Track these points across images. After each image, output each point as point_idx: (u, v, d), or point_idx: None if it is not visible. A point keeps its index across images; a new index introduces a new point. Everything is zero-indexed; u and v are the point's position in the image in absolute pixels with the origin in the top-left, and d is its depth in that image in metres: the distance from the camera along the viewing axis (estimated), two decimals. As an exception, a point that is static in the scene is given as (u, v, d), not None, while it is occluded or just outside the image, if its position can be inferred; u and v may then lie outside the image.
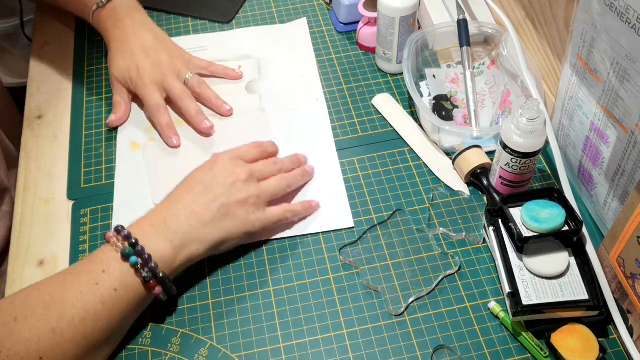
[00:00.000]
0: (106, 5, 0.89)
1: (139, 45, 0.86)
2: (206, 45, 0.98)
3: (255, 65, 0.95)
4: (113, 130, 0.87)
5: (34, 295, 0.62)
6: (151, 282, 0.65)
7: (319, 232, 0.76)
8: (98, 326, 0.62)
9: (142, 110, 0.89)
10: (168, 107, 0.86)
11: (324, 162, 0.83)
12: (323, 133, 0.86)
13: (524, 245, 0.67)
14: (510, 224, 0.68)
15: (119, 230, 0.66)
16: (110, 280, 0.64)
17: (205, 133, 0.85)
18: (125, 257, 0.64)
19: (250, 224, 0.71)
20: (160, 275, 0.65)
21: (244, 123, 0.87)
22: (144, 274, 0.65)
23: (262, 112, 0.87)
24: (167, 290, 0.67)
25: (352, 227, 0.76)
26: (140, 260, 0.65)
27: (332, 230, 0.76)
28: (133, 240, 0.65)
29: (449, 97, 0.89)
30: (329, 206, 0.78)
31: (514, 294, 0.65)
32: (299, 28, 1.00)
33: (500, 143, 0.72)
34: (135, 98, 0.89)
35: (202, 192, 0.70)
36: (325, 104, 0.90)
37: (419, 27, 0.98)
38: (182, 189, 0.72)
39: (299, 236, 0.76)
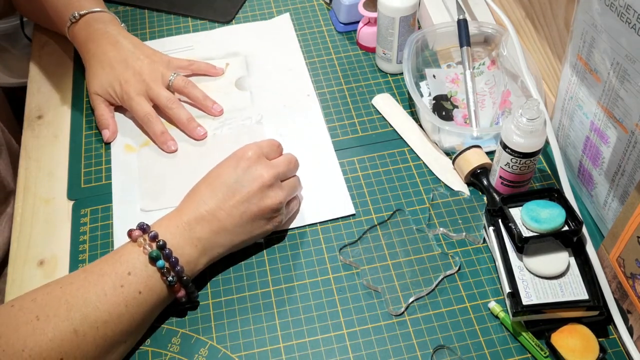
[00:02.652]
0: (79, 20, 0.87)
1: (116, 57, 0.85)
2: (192, 44, 0.98)
3: (243, 62, 0.95)
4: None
5: (56, 294, 0.61)
6: (176, 285, 0.65)
7: (320, 232, 0.76)
8: (119, 328, 0.62)
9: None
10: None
11: (321, 155, 0.83)
12: (317, 127, 0.87)
13: (524, 245, 0.67)
14: (510, 224, 0.68)
15: (144, 228, 0.65)
16: (135, 282, 0.63)
17: (200, 139, 0.85)
18: (153, 260, 0.63)
19: (273, 226, 0.71)
20: (185, 278, 0.65)
21: (240, 135, 0.86)
22: (170, 278, 0.64)
23: (259, 125, 0.87)
24: (190, 295, 0.67)
25: (353, 214, 0.77)
26: (167, 264, 0.64)
27: (333, 225, 0.76)
28: (161, 242, 0.64)
29: (449, 97, 0.89)
30: (329, 196, 0.79)
31: (514, 294, 0.65)
32: (283, 23, 1.01)
33: (500, 143, 0.72)
34: (119, 107, 0.88)
35: (226, 196, 0.68)
36: (317, 99, 0.90)
37: (419, 27, 0.98)
38: (205, 187, 0.69)
39: (299, 236, 0.76)
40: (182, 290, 0.66)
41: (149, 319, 0.66)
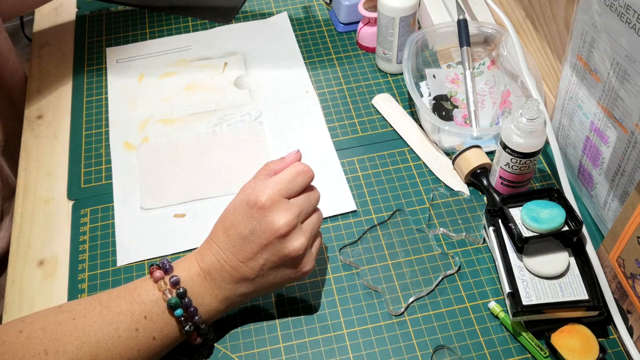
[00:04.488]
0: None
1: None
2: (190, 44, 0.99)
3: (241, 61, 0.95)
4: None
5: (67, 327, 0.58)
6: (193, 334, 0.63)
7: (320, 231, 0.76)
8: None
9: (134, 110, 0.89)
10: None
11: (321, 151, 0.84)
12: (316, 123, 0.87)
13: (524, 245, 0.67)
14: (510, 224, 0.68)
15: (167, 269, 0.62)
16: (151, 328, 0.60)
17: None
18: (172, 308, 0.60)
19: (302, 273, 0.65)
20: (203, 327, 0.63)
21: (240, 132, 0.86)
22: (187, 328, 0.61)
23: (260, 125, 0.87)
24: (207, 340, 0.66)
25: (355, 211, 0.77)
26: (185, 314, 0.61)
27: (333, 225, 0.76)
28: (181, 290, 0.61)
29: (449, 97, 0.89)
30: (330, 193, 0.79)
31: (514, 294, 0.65)
32: (281, 22, 1.01)
33: (500, 143, 0.72)
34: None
35: (242, 248, 0.62)
36: (316, 95, 0.90)
37: (419, 27, 0.98)
38: (222, 233, 0.64)
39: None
40: (199, 338, 0.64)
41: (158, 358, 0.64)
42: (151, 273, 0.62)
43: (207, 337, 0.65)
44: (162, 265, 0.62)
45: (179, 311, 0.61)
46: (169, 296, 0.60)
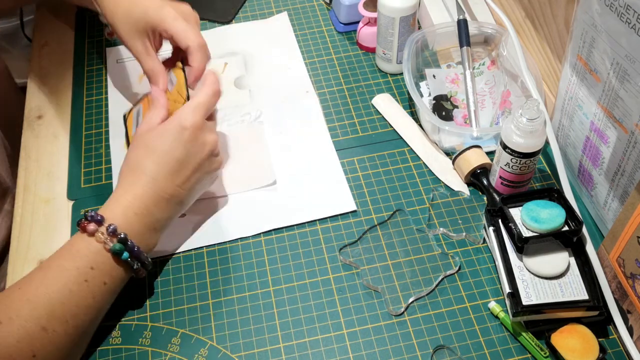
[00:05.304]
0: None
1: None
2: None
3: (241, 61, 0.95)
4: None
5: (15, 296, 0.60)
6: (140, 269, 0.66)
7: (320, 231, 0.76)
8: (89, 317, 0.63)
9: (132, 107, 0.89)
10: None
11: (321, 151, 0.84)
12: (316, 123, 0.87)
13: (524, 245, 0.67)
14: (510, 224, 0.68)
15: (98, 220, 0.63)
16: (100, 275, 0.63)
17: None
18: (117, 254, 0.64)
19: (214, 179, 0.75)
20: (148, 262, 0.66)
21: (240, 132, 0.86)
22: (135, 267, 0.65)
23: (260, 125, 0.87)
24: (147, 268, 0.68)
25: (355, 211, 0.77)
26: (130, 255, 0.65)
27: (333, 225, 0.76)
28: (122, 236, 0.64)
29: (449, 97, 0.89)
30: (330, 192, 0.79)
31: (514, 294, 0.65)
32: (281, 22, 1.01)
33: (500, 143, 0.72)
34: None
35: (178, 171, 0.68)
36: (316, 95, 0.90)
37: (419, 27, 0.98)
38: (151, 162, 0.67)
39: (299, 236, 0.75)
40: (143, 270, 0.67)
41: (113, 299, 0.67)
42: (83, 228, 0.63)
43: (150, 268, 0.68)
44: (91, 218, 0.63)
45: (125, 254, 0.64)
46: (111, 244, 0.63)
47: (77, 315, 0.61)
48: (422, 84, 0.90)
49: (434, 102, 0.88)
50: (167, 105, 0.73)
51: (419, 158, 0.83)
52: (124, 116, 0.82)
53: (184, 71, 0.78)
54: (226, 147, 0.84)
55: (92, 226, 0.63)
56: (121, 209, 0.65)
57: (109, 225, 0.64)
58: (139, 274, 0.67)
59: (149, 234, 0.67)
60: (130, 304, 0.70)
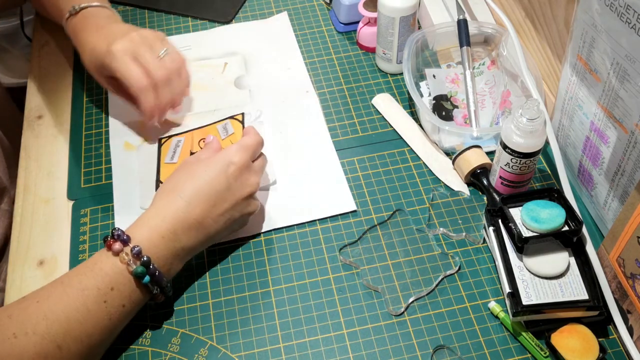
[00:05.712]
0: (77, 13, 0.84)
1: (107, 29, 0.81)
2: (190, 44, 0.98)
3: (241, 61, 0.95)
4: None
5: (32, 310, 0.60)
6: (158, 295, 0.66)
7: (320, 231, 0.76)
8: (103, 338, 0.62)
9: (133, 110, 0.89)
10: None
11: (321, 151, 0.84)
12: (316, 123, 0.87)
13: (524, 245, 0.67)
14: (510, 224, 0.68)
15: (124, 239, 0.63)
16: (119, 297, 0.62)
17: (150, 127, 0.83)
18: (138, 277, 0.62)
19: (245, 222, 0.73)
20: (168, 287, 0.66)
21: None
22: (155, 291, 0.64)
23: (261, 125, 0.87)
24: (166, 294, 0.68)
25: (355, 211, 0.77)
26: (151, 279, 0.63)
27: (333, 225, 0.76)
28: (145, 259, 0.62)
29: (449, 97, 0.89)
30: (330, 192, 0.79)
31: (514, 294, 0.65)
32: (281, 22, 1.01)
33: (500, 143, 0.72)
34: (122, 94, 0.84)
35: (215, 203, 0.66)
36: (316, 95, 0.90)
37: (419, 27, 0.98)
38: (191, 190, 0.66)
39: (299, 236, 0.76)
40: (162, 296, 0.67)
41: (128, 321, 0.66)
42: (109, 246, 0.63)
43: (169, 295, 0.68)
44: (118, 237, 0.63)
45: (146, 279, 0.63)
46: (134, 267, 0.62)
47: (92, 335, 0.61)
48: (422, 84, 0.90)
49: (434, 102, 0.88)
50: (219, 151, 0.71)
51: (419, 158, 0.83)
52: (160, 140, 0.84)
53: (242, 124, 0.83)
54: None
55: (117, 245, 0.62)
56: (148, 231, 0.64)
57: (134, 247, 0.62)
58: (157, 299, 0.66)
59: (171, 260, 0.65)
60: (130, 304, 0.70)
